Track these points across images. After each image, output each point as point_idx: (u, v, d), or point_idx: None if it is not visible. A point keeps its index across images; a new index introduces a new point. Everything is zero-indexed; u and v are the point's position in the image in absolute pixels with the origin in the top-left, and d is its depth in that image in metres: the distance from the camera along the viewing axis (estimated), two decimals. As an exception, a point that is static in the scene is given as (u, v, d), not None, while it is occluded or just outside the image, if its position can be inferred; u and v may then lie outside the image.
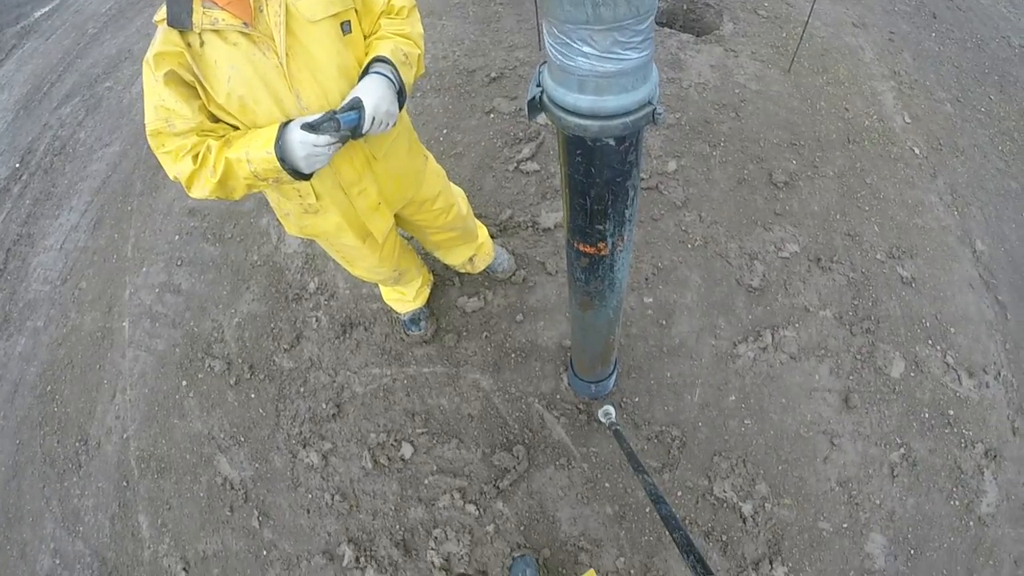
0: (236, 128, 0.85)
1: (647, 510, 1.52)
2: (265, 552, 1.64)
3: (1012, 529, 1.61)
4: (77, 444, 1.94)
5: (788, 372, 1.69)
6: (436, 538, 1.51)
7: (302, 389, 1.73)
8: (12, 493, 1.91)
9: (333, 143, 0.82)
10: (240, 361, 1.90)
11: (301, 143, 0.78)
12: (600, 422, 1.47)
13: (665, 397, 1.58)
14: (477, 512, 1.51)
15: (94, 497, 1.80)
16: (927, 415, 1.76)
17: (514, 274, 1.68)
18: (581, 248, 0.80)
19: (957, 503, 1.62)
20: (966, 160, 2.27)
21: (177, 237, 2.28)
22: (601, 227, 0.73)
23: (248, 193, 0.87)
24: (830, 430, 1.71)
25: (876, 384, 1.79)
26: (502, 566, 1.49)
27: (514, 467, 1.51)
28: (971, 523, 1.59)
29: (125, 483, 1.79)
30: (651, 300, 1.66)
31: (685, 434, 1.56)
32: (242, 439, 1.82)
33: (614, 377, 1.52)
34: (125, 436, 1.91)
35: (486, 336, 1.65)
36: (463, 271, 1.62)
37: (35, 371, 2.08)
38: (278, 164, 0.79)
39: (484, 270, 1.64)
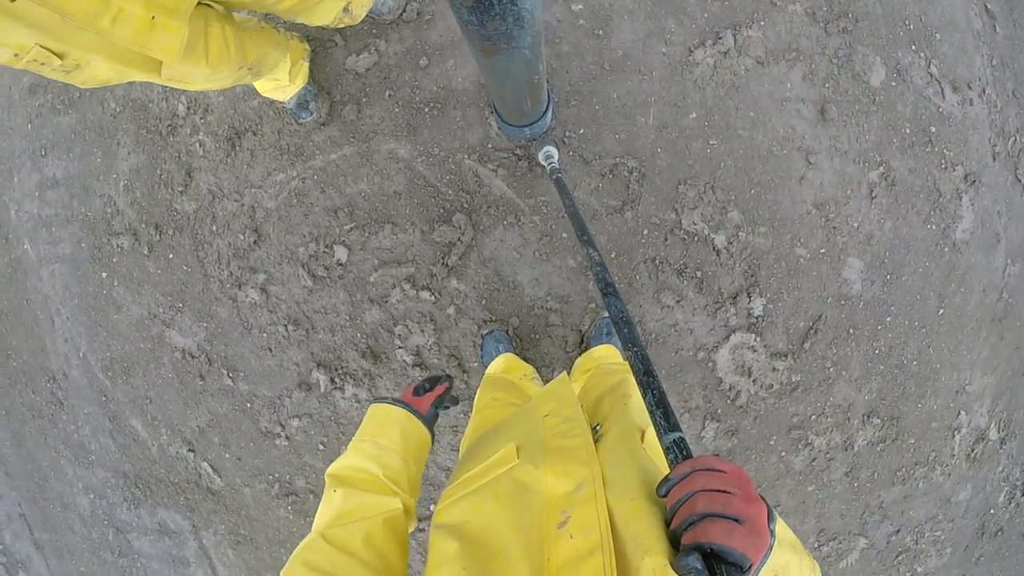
0: None
1: (612, 254, 1.23)
2: (249, 404, 1.42)
3: (983, 257, 1.40)
4: (48, 385, 1.63)
5: (755, 80, 1.25)
6: (399, 335, 1.27)
7: (214, 227, 1.35)
8: (26, 459, 1.72)
9: None
10: (143, 226, 1.48)
11: None
12: (542, 166, 1.14)
13: (615, 123, 1.21)
14: (433, 297, 1.25)
15: (88, 424, 1.60)
16: (908, 131, 1.46)
17: (404, 10, 1.23)
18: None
19: (934, 227, 1.36)
20: None
21: (29, 125, 1.80)
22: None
23: None
24: (805, 146, 1.39)
25: (854, 93, 1.45)
26: (474, 345, 1.26)
27: (459, 239, 1.21)
28: (946, 248, 1.37)
29: (104, 398, 1.56)
30: (580, 7, 1.21)
31: (643, 164, 1.22)
32: (180, 305, 1.44)
33: (550, 111, 1.13)
34: (82, 354, 1.61)
35: (390, 95, 1.23)
36: (341, 27, 1.17)
37: (-36, 329, 1.82)
38: None
39: (367, 18, 1.21)
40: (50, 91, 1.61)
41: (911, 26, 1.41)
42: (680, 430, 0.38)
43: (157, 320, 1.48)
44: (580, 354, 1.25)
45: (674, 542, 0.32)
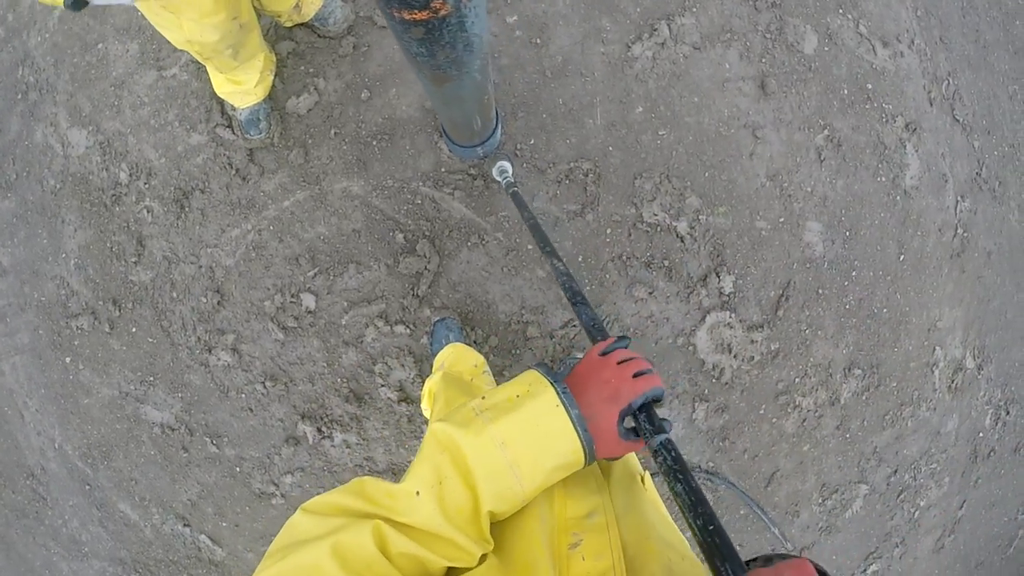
0: None
1: (579, 257, 1.23)
2: (238, 468, 1.37)
3: (934, 198, 1.45)
4: (28, 482, 1.55)
5: (695, 66, 1.27)
6: (380, 374, 1.25)
7: (174, 294, 1.30)
8: (17, 563, 1.64)
9: None
10: (101, 303, 1.36)
11: None
12: (498, 182, 1.12)
13: (564, 129, 1.21)
14: (408, 330, 1.23)
15: (75, 516, 1.54)
16: (846, 91, 1.50)
17: (351, 28, 1.20)
18: (405, 16, 0.46)
19: (883, 179, 1.41)
20: None
21: None
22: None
23: None
24: (751, 122, 1.39)
25: (790, 64, 1.49)
26: (425, 333, 1.23)
27: (425, 267, 1.20)
28: (898, 197, 1.42)
29: (88, 486, 1.50)
30: (515, 19, 1.20)
31: (597, 164, 1.23)
32: (151, 379, 1.36)
33: (499, 127, 1.12)
34: (58, 445, 1.48)
35: (335, 133, 1.20)
36: (288, 24, 1.17)
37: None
38: None
39: (311, 23, 1.20)
40: (-18, 177, 1.53)
41: (834, -9, 1.46)
42: (666, 431, 0.37)
43: (130, 398, 1.42)
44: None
45: None
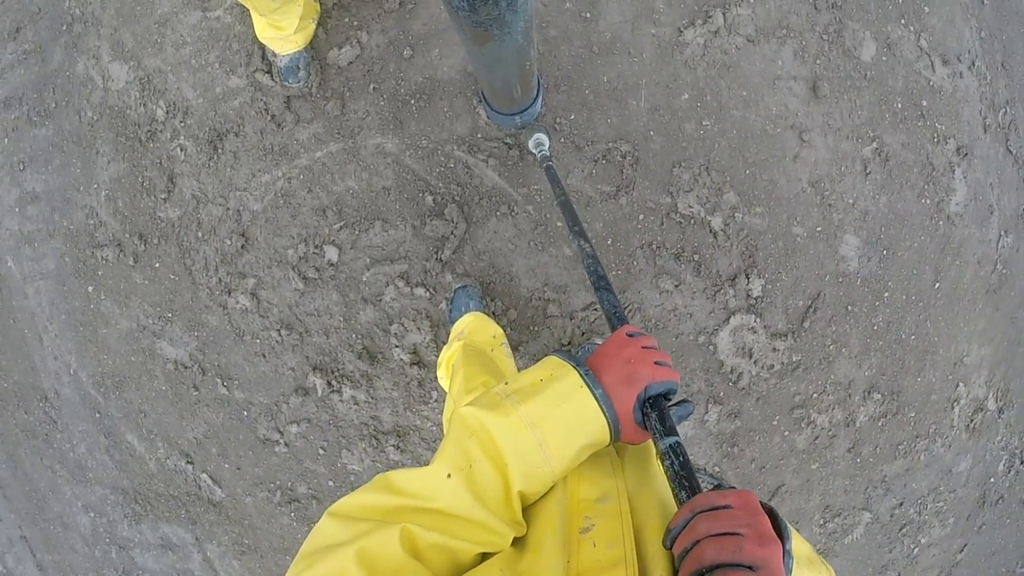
0: None
1: (608, 240, 1.20)
2: (245, 412, 1.37)
3: (977, 229, 1.39)
4: (41, 404, 1.58)
5: (746, 59, 1.22)
6: (396, 334, 1.23)
7: (200, 233, 1.29)
8: (23, 481, 1.67)
9: None
10: (127, 236, 1.36)
11: None
12: (533, 154, 1.07)
13: (606, 107, 1.17)
14: (428, 293, 1.21)
15: (83, 442, 1.56)
16: (900, 105, 1.44)
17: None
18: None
19: (928, 201, 1.35)
20: None
21: (6, 140, 1.73)
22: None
23: None
24: (798, 124, 1.34)
25: (846, 69, 1.43)
26: (445, 299, 1.22)
27: (451, 232, 1.17)
28: (940, 222, 1.36)
29: (98, 414, 1.51)
30: None
31: (636, 148, 1.18)
32: (170, 315, 1.37)
33: (540, 98, 1.08)
34: (73, 371, 1.51)
35: (374, 89, 1.18)
36: None
37: (-50, 350, 1.75)
38: None
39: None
40: (25, 103, 1.55)
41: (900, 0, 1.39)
42: (676, 434, 0.36)
43: (147, 332, 1.43)
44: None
45: None
